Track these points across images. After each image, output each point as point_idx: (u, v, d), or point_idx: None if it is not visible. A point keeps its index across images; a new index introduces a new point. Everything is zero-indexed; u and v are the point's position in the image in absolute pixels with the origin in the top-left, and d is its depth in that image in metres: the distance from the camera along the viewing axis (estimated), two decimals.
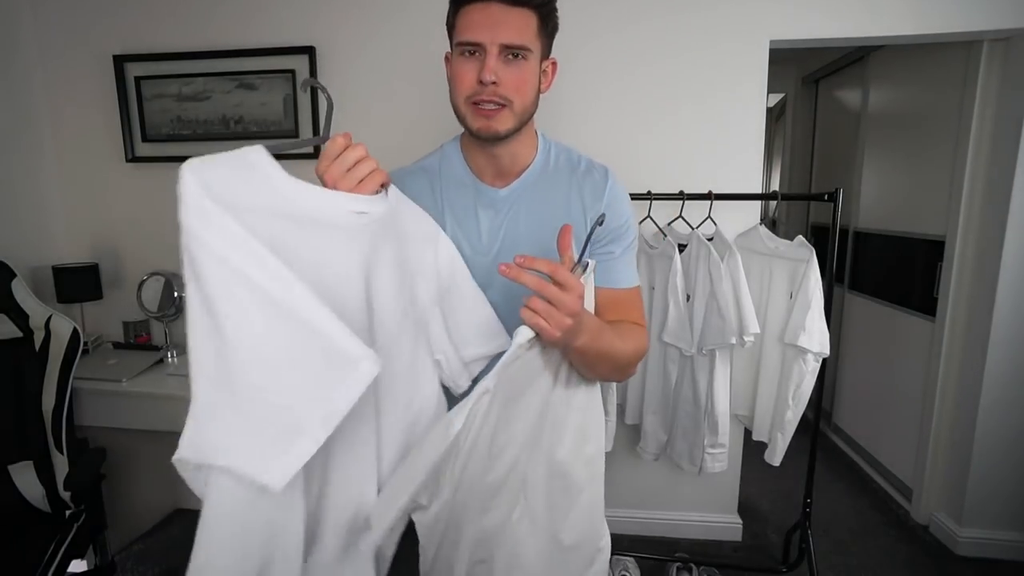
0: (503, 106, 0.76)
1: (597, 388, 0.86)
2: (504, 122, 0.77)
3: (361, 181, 0.65)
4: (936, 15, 1.61)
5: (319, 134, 0.71)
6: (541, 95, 0.83)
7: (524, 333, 0.64)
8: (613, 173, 0.88)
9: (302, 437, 0.50)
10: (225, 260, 0.48)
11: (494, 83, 0.74)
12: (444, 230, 0.82)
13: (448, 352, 0.80)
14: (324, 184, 0.65)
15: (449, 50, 0.81)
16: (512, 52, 0.75)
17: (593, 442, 0.86)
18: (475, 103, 0.76)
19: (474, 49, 0.75)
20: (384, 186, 0.69)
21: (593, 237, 0.82)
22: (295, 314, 0.51)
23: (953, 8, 1.60)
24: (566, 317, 0.63)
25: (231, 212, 0.50)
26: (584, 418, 0.83)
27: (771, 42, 1.68)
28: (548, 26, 0.79)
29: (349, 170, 0.65)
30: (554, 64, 0.84)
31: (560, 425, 0.79)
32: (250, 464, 0.49)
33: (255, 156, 0.57)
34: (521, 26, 0.74)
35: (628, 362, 0.82)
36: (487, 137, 0.78)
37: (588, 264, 0.74)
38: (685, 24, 1.70)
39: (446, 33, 0.81)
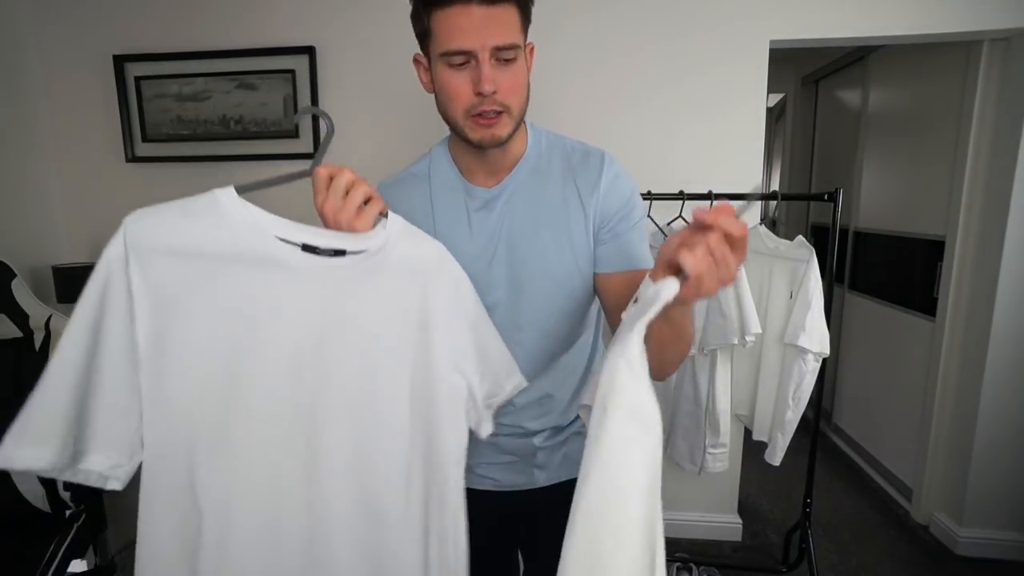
0: (502, 112, 0.72)
1: None
2: (505, 127, 0.73)
3: (360, 212, 0.62)
4: (936, 15, 1.61)
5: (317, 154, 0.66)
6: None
7: (671, 286, 0.50)
8: (610, 155, 0.83)
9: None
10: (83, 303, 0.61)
11: (494, 92, 0.69)
12: (437, 239, 0.73)
13: (478, 396, 0.72)
14: (324, 218, 0.63)
15: (419, 52, 0.75)
16: (503, 53, 0.69)
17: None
18: (475, 115, 0.71)
19: (465, 58, 0.68)
20: (383, 214, 0.65)
21: (599, 222, 0.80)
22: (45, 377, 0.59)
23: (953, 8, 1.60)
24: (734, 270, 0.52)
25: (155, 256, 0.58)
26: None
27: (771, 42, 1.68)
28: (527, 15, 0.74)
29: (345, 196, 0.62)
30: (531, 47, 0.77)
31: None
32: None
33: (223, 197, 0.59)
34: (507, 24, 0.68)
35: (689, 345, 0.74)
36: (490, 146, 0.74)
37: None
38: (685, 25, 1.70)
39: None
